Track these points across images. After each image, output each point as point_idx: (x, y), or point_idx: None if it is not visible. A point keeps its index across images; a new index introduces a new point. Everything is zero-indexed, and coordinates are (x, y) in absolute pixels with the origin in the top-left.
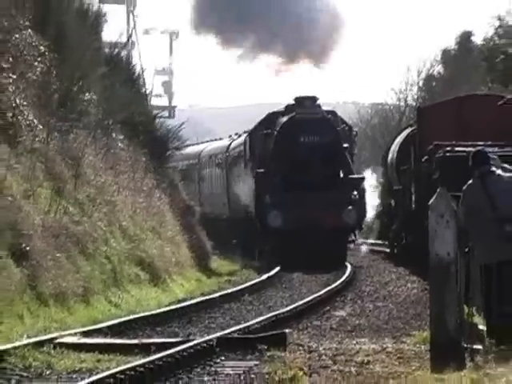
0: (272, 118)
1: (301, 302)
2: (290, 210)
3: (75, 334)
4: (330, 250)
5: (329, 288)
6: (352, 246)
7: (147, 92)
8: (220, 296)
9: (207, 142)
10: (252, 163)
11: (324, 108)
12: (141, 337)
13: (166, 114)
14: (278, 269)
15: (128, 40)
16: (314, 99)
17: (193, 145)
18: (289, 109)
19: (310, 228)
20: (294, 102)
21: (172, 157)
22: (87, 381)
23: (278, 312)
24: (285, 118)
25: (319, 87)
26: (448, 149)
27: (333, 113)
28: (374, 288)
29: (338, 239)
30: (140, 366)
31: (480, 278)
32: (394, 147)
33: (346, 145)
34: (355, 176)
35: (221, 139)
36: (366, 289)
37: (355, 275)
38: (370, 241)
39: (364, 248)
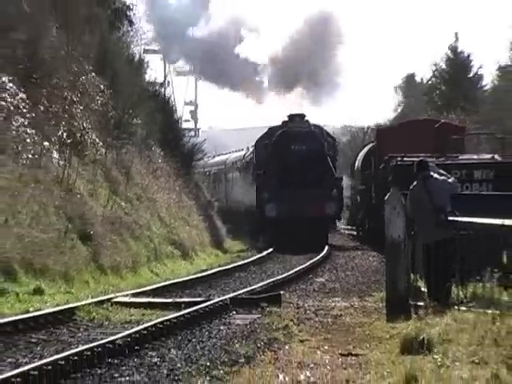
0: (271, 131)
1: (291, 272)
2: (283, 203)
3: (126, 295)
4: (314, 234)
5: (312, 261)
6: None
7: (178, 118)
8: (232, 267)
9: (231, 152)
10: (256, 167)
11: (312, 123)
12: (174, 297)
13: (192, 133)
14: (271, 249)
15: (164, 80)
16: (302, 116)
17: (221, 155)
18: (283, 124)
19: (299, 217)
20: (287, 119)
21: (197, 165)
22: (135, 329)
23: (274, 279)
24: (280, 131)
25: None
26: (399, 159)
27: (319, 127)
28: (344, 261)
29: (321, 226)
30: (173, 318)
31: (422, 253)
32: (360, 157)
33: (329, 152)
34: (335, 177)
35: (241, 150)
36: (339, 261)
37: (331, 252)
38: (342, 226)
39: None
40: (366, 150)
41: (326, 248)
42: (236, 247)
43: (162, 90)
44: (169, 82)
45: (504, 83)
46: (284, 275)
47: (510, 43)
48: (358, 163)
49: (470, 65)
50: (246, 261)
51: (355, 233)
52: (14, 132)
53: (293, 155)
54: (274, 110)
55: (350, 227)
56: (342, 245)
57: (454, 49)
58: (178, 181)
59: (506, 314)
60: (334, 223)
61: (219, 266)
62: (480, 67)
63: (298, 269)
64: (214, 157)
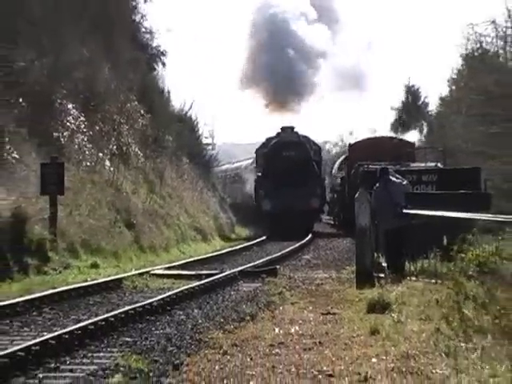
0: (267, 141)
1: (284, 251)
2: (276, 199)
3: (160, 268)
4: (302, 224)
5: (300, 243)
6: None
7: (199, 135)
8: (239, 248)
9: (242, 160)
10: (256, 170)
11: (300, 134)
12: (196, 270)
13: (210, 147)
14: (268, 235)
15: (190, 107)
16: (292, 128)
17: (234, 163)
18: (277, 134)
19: (290, 210)
20: (280, 130)
21: (214, 171)
22: (167, 294)
23: (272, 256)
24: (274, 140)
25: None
26: (365, 166)
27: (306, 137)
28: (325, 243)
29: (307, 218)
30: (196, 286)
31: (383, 237)
32: (336, 165)
33: (315, 158)
34: (319, 178)
35: (250, 159)
36: (320, 244)
37: (315, 237)
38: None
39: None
40: (341, 159)
41: (311, 234)
42: (243, 233)
43: (189, 114)
44: (193, 109)
45: (443, 109)
46: (279, 254)
47: (447, 80)
48: (334, 170)
49: (419, 95)
50: (250, 243)
51: (333, 222)
52: (76, 146)
53: (284, 160)
54: (274, 123)
55: (329, 218)
56: (323, 231)
57: (408, 87)
58: (200, 182)
59: (446, 282)
60: (319, 215)
61: (230, 247)
62: (426, 97)
63: (289, 249)
64: (232, 163)
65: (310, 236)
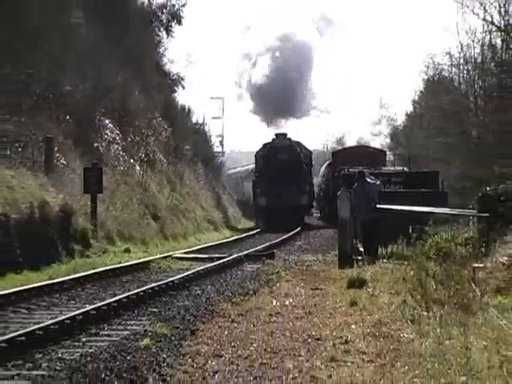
0: (264, 146)
1: (280, 239)
2: (270, 196)
3: (180, 252)
4: (293, 218)
5: (292, 233)
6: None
7: (211, 145)
8: (244, 236)
9: (248, 165)
10: (255, 171)
11: (293, 139)
12: (209, 254)
13: (220, 154)
14: (264, 227)
15: (203, 122)
16: (285, 135)
17: (249, 164)
18: (272, 140)
19: (282, 206)
20: (275, 137)
21: (224, 174)
22: (186, 273)
23: (270, 242)
24: (269, 145)
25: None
26: (346, 170)
27: (298, 143)
28: (313, 233)
29: (297, 212)
30: (210, 267)
31: (360, 227)
32: (322, 169)
33: (305, 160)
34: (308, 177)
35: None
36: (309, 233)
37: (304, 227)
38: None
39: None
40: (326, 163)
41: (303, 225)
42: (247, 225)
43: (202, 127)
44: (206, 123)
45: (409, 124)
46: (276, 241)
47: (412, 100)
48: (321, 172)
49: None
50: (252, 232)
51: (320, 215)
52: (112, 154)
53: (278, 162)
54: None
55: (317, 212)
56: (312, 223)
57: (381, 104)
58: (212, 183)
59: (411, 263)
60: (309, 210)
61: (237, 235)
62: (395, 114)
63: (284, 237)
64: (243, 166)
65: (300, 227)
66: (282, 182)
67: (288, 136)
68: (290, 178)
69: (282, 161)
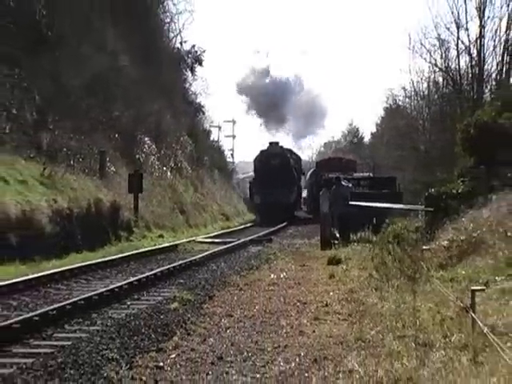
0: (261, 152)
1: (276, 227)
2: (264, 195)
3: (201, 238)
4: (283, 213)
5: (284, 224)
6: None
7: (225, 156)
8: (249, 225)
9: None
10: (254, 175)
11: (285, 147)
12: (223, 238)
13: (231, 164)
14: (260, 220)
15: (218, 139)
16: (277, 143)
17: (249, 173)
18: (267, 148)
19: (274, 204)
20: (269, 144)
21: (234, 178)
22: (205, 254)
23: (269, 230)
24: (264, 152)
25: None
26: (326, 175)
27: (289, 150)
28: (302, 223)
29: (287, 209)
30: (223, 249)
31: (336, 219)
32: (309, 174)
33: (294, 165)
34: (296, 180)
35: None
36: (299, 224)
37: (294, 220)
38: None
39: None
40: (311, 170)
41: (291, 219)
42: (251, 217)
43: (218, 142)
44: (220, 140)
45: (374, 141)
46: (272, 229)
47: (375, 123)
48: (308, 176)
49: (358, 132)
50: (255, 223)
51: (307, 210)
52: (150, 163)
53: (271, 167)
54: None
55: (305, 208)
56: (300, 216)
57: (351, 127)
58: (225, 185)
59: (375, 246)
60: (297, 207)
61: (243, 225)
62: (362, 133)
63: (278, 227)
64: (249, 173)
65: (290, 220)
66: (274, 183)
67: (280, 144)
68: (281, 180)
69: (274, 165)
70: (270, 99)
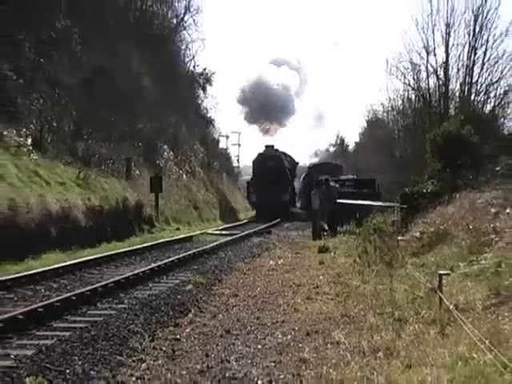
0: (258, 155)
1: (273, 222)
2: (260, 194)
3: (211, 230)
4: (277, 210)
5: (280, 219)
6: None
7: (232, 161)
8: (251, 220)
9: None
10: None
11: (281, 150)
12: (229, 231)
13: (237, 168)
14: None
15: (226, 148)
16: (272, 146)
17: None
18: (263, 150)
19: (269, 202)
20: (265, 147)
21: (239, 181)
22: (214, 244)
23: (268, 224)
24: (261, 155)
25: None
26: (317, 177)
27: (283, 153)
28: (296, 218)
29: (280, 206)
30: (229, 240)
31: (325, 214)
32: (302, 176)
33: (289, 167)
34: (290, 180)
35: None
36: (293, 219)
37: (290, 215)
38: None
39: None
40: (304, 173)
41: (285, 216)
42: (251, 214)
43: (226, 150)
44: (228, 147)
45: (357, 148)
46: (271, 223)
47: (359, 133)
48: (301, 178)
49: (344, 141)
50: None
51: (300, 207)
52: (168, 167)
53: (266, 168)
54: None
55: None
56: (295, 212)
57: (339, 138)
58: (232, 186)
59: (358, 237)
60: (291, 204)
61: (248, 219)
62: (347, 142)
63: (276, 221)
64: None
65: (285, 216)
66: (269, 183)
67: (275, 147)
68: (275, 180)
69: (269, 167)
70: (265, 108)
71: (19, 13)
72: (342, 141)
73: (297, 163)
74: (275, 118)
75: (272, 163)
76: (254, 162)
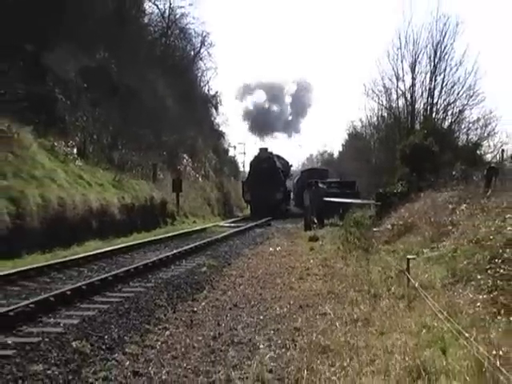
0: (254, 157)
1: (269, 218)
2: (255, 194)
3: (222, 223)
4: (269, 209)
5: (276, 214)
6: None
7: (238, 166)
8: (248, 217)
9: None
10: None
11: (275, 153)
12: (237, 223)
13: (243, 173)
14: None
15: (234, 156)
16: (266, 149)
17: None
18: (258, 153)
19: (262, 201)
20: (259, 150)
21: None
22: (223, 234)
23: (265, 219)
24: (256, 157)
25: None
26: (308, 180)
27: (277, 155)
28: (290, 214)
29: (273, 205)
30: (237, 230)
31: (315, 210)
32: (296, 179)
33: (282, 169)
34: (283, 180)
35: None
36: (287, 215)
37: (284, 213)
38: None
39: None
40: (297, 177)
41: (278, 213)
42: (248, 212)
43: (233, 157)
44: (235, 156)
45: (341, 156)
46: (267, 218)
47: (342, 144)
48: (295, 180)
49: (326, 151)
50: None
51: (294, 204)
52: (187, 172)
53: (260, 169)
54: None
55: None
56: (290, 209)
57: (325, 147)
58: (236, 185)
59: (342, 228)
60: (284, 203)
61: (244, 215)
62: (332, 151)
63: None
64: None
65: (278, 214)
66: (262, 183)
67: (269, 150)
68: (268, 180)
69: (262, 168)
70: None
71: (67, 44)
72: (325, 152)
73: (290, 165)
74: (271, 130)
75: (265, 164)
76: (250, 163)
